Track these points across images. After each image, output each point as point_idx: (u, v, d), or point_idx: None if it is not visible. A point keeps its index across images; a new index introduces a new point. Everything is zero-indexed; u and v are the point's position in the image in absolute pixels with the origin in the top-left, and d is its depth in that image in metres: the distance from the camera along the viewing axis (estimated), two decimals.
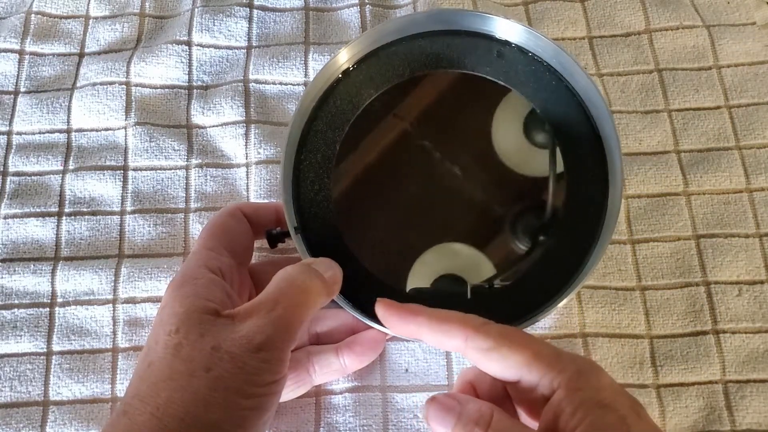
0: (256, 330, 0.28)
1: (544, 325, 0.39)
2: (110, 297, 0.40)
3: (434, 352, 0.39)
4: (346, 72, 0.36)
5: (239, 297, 0.33)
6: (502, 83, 0.34)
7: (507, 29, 0.34)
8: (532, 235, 0.34)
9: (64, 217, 0.42)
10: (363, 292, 0.33)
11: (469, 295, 0.33)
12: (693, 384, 0.37)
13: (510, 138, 0.35)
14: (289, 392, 0.35)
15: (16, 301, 0.40)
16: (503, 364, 0.26)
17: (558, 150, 0.33)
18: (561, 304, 0.32)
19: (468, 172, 0.35)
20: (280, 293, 0.29)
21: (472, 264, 0.34)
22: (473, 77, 0.35)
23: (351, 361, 0.36)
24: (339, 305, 0.33)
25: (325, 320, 0.37)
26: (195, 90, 0.46)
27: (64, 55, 0.48)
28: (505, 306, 0.33)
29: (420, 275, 0.34)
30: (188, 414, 0.27)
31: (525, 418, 0.28)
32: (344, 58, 0.36)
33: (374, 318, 0.31)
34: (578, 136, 0.33)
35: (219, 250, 0.33)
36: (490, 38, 0.34)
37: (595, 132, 0.33)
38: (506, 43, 0.34)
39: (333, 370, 0.36)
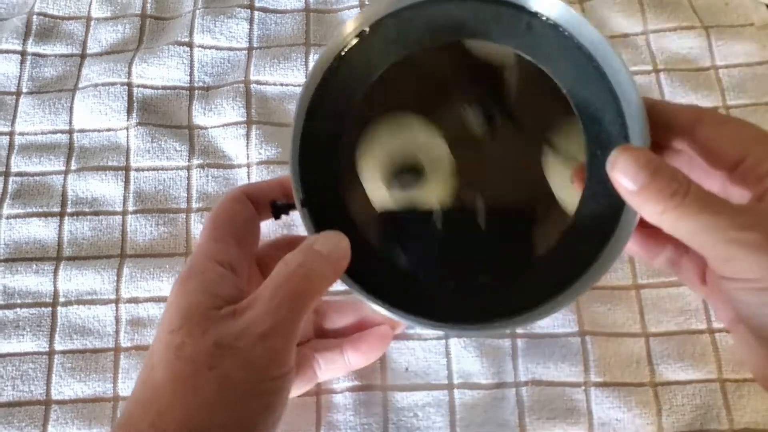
0: (258, 320, 0.26)
1: (542, 325, 0.39)
2: (112, 297, 0.40)
3: (435, 351, 0.39)
4: (362, 35, 0.32)
5: (249, 288, 0.31)
6: (530, 59, 0.31)
7: (542, 2, 0.31)
8: (550, 229, 0.32)
9: (66, 217, 0.43)
10: (370, 273, 0.31)
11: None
12: (690, 382, 0.38)
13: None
14: (295, 389, 0.35)
15: (19, 301, 0.41)
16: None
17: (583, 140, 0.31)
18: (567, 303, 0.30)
19: (488, 146, 0.33)
20: (281, 281, 0.27)
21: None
22: (504, 56, 0.32)
23: (355, 358, 0.35)
24: (347, 289, 0.31)
25: (333, 316, 0.37)
26: (196, 91, 0.46)
27: (66, 56, 0.48)
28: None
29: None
30: (192, 419, 0.25)
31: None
32: (360, 19, 0.32)
33: (381, 301, 0.29)
34: (604, 122, 0.31)
35: (226, 241, 0.31)
36: (520, 8, 0.31)
37: (621, 120, 0.30)
38: (537, 15, 0.31)
39: (337, 367, 0.35)
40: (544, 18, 0.31)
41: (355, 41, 0.32)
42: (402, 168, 0.33)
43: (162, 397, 0.26)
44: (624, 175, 0.26)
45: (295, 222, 0.42)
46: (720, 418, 0.37)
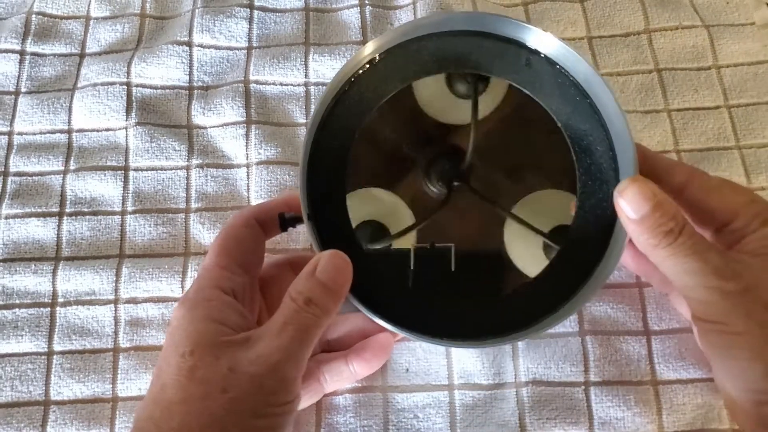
0: (271, 350, 0.28)
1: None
2: (111, 297, 0.40)
3: (435, 351, 0.39)
4: (372, 61, 0.34)
5: (251, 314, 0.33)
6: (528, 92, 0.34)
7: (541, 40, 0.33)
8: (544, 247, 0.35)
9: (65, 217, 0.42)
10: (374, 289, 0.33)
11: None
12: (691, 381, 0.38)
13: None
14: (303, 403, 0.35)
15: (17, 301, 0.41)
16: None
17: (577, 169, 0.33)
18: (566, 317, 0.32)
19: (488, 174, 0.36)
20: (288, 317, 0.29)
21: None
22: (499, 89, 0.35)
23: (360, 367, 0.36)
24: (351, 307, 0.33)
25: (336, 326, 0.37)
26: (196, 90, 0.46)
27: (65, 55, 0.48)
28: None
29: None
30: None
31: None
32: (372, 47, 0.34)
33: (382, 315, 0.31)
34: (595, 155, 0.33)
35: (232, 269, 0.33)
36: (520, 45, 0.34)
37: (612, 153, 0.32)
38: (536, 52, 0.34)
39: (343, 378, 0.36)
40: (542, 55, 0.33)
41: (366, 67, 0.34)
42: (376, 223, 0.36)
43: (174, 415, 0.27)
44: (629, 203, 0.29)
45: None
46: (721, 417, 0.37)
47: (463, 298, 0.33)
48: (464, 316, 0.33)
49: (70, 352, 0.39)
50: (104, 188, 0.43)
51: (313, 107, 0.45)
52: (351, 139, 0.34)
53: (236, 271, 0.33)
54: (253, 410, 0.27)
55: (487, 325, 0.33)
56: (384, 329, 0.33)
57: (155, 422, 0.27)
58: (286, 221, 0.35)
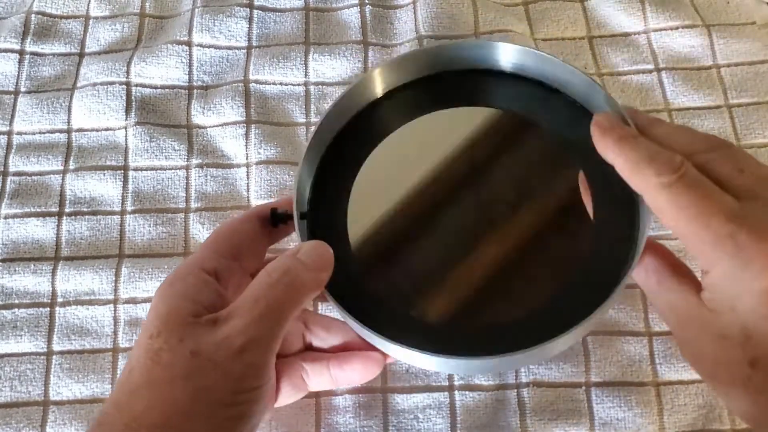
0: (237, 331, 0.26)
1: None
2: (111, 297, 0.40)
3: None
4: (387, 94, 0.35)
5: (236, 298, 0.31)
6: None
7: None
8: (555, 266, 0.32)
9: (64, 217, 0.42)
10: (358, 295, 0.31)
11: None
12: (693, 382, 0.37)
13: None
14: (287, 398, 0.34)
15: (17, 301, 0.40)
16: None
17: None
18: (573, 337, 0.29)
19: (494, 189, 0.34)
20: (260, 290, 0.27)
21: None
22: (512, 117, 0.35)
23: (342, 376, 0.34)
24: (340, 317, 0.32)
25: (320, 331, 0.35)
26: (195, 90, 0.46)
27: (65, 55, 0.48)
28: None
29: None
30: (167, 425, 0.25)
31: None
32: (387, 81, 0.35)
33: (371, 328, 0.29)
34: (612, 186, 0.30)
35: (220, 252, 0.31)
36: (542, 85, 0.34)
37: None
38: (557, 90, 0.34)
39: (325, 380, 0.35)
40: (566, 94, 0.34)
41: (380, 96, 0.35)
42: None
43: (138, 401, 0.26)
44: (616, 145, 0.26)
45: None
46: (722, 418, 0.37)
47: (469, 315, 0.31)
48: (462, 332, 0.31)
49: (70, 352, 0.39)
50: (104, 188, 0.43)
51: (313, 107, 0.45)
52: (357, 158, 0.34)
53: (223, 254, 0.31)
54: (218, 398, 0.26)
55: (498, 340, 0.30)
56: (367, 347, 0.32)
57: (119, 407, 0.26)
58: (277, 216, 0.33)
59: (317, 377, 0.34)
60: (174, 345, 0.26)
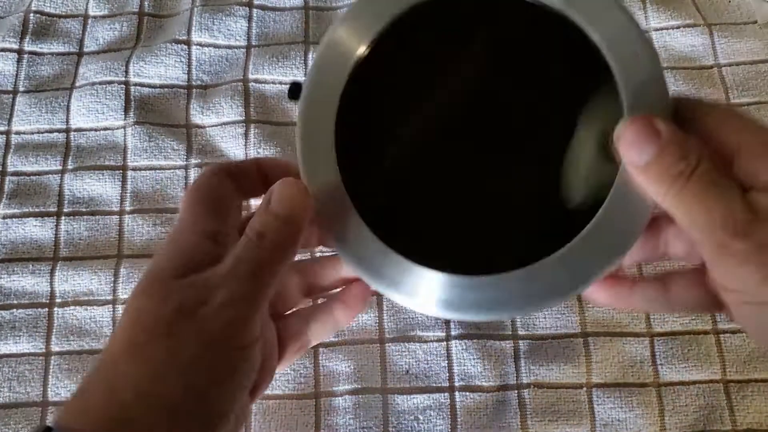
0: (221, 290, 0.25)
1: (544, 326, 0.39)
2: (109, 297, 0.40)
3: (435, 353, 0.38)
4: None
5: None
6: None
7: None
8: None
9: (62, 217, 0.42)
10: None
11: None
12: (693, 383, 0.37)
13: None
14: (286, 361, 0.33)
15: (15, 302, 0.40)
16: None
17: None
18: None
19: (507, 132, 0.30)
20: (241, 251, 0.27)
21: None
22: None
23: (343, 314, 0.34)
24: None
25: (319, 270, 0.35)
26: (194, 89, 0.46)
27: (63, 54, 0.48)
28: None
29: None
30: (145, 391, 0.24)
31: None
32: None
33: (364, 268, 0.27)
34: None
35: (203, 212, 0.29)
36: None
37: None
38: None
39: (328, 328, 0.34)
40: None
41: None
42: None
43: (118, 365, 0.25)
44: (630, 147, 0.24)
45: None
46: (723, 419, 0.37)
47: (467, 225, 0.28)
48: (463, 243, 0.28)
49: (68, 352, 0.39)
50: (102, 188, 0.43)
51: None
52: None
53: (206, 213, 0.29)
54: (197, 360, 0.25)
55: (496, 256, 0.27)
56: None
57: (98, 372, 0.25)
58: (298, 88, 0.30)
59: (318, 327, 0.34)
60: (157, 304, 0.25)
